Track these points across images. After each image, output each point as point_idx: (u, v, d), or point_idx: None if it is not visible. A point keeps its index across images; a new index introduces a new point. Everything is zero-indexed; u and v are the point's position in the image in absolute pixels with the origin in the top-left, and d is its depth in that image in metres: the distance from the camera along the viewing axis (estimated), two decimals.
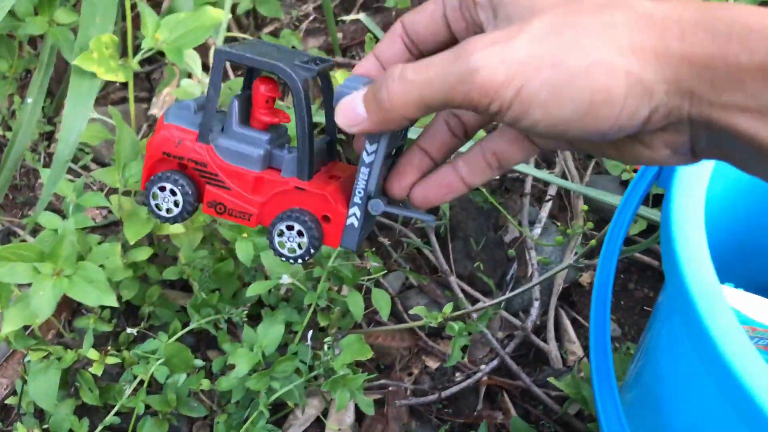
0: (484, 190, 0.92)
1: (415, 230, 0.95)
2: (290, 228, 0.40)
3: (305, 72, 0.39)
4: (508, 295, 0.82)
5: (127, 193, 0.80)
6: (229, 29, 1.09)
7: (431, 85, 0.33)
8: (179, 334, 0.74)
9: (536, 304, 0.89)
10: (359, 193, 0.39)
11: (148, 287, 0.84)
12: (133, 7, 1.08)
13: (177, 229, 0.79)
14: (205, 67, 1.02)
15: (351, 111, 0.36)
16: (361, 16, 1.09)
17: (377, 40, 1.05)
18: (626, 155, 0.35)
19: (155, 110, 1.04)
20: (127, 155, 0.76)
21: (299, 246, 0.40)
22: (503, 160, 0.39)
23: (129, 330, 0.73)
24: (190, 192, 0.41)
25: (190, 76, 0.91)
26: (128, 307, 0.87)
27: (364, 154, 0.38)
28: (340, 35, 1.10)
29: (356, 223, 0.39)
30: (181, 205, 0.41)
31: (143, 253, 0.78)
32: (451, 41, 0.39)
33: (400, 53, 0.40)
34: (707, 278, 0.43)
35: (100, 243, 0.81)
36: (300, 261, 0.41)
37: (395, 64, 0.36)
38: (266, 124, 0.41)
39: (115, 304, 0.67)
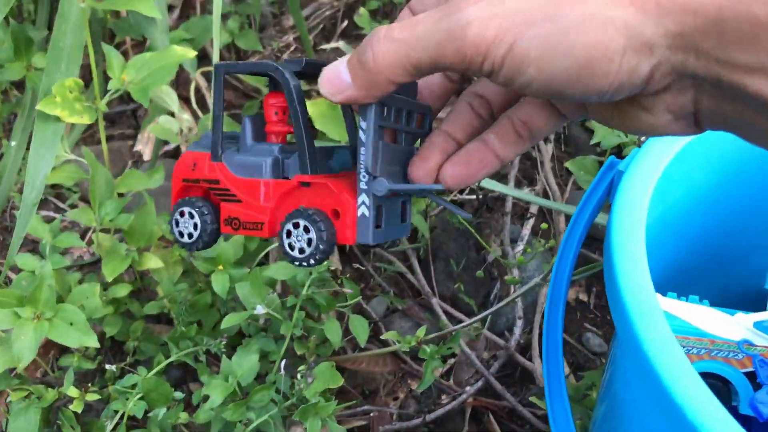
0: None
1: (397, 253, 0.95)
2: (296, 226, 0.38)
3: (293, 65, 0.38)
4: (485, 313, 0.81)
5: (106, 231, 0.81)
6: (211, 63, 1.11)
7: (419, 42, 0.31)
8: (159, 367, 0.75)
9: (519, 323, 0.89)
10: (363, 177, 0.36)
11: (132, 322, 0.85)
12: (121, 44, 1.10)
13: (156, 263, 0.80)
14: (184, 99, 1.04)
15: (335, 77, 0.34)
16: (341, 44, 1.10)
17: None
18: (628, 122, 0.33)
19: (140, 147, 1.06)
20: (101, 194, 0.77)
21: (308, 243, 0.38)
22: (533, 129, 0.37)
23: (108, 367, 0.74)
24: (207, 212, 0.41)
25: (173, 114, 0.93)
26: (114, 343, 0.88)
27: (360, 132, 0.36)
28: None
29: (367, 212, 0.37)
30: (199, 227, 0.41)
31: (123, 290, 0.79)
32: None
33: None
34: (643, 294, 0.43)
35: (80, 281, 0.82)
36: (313, 261, 0.38)
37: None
38: (281, 136, 0.40)
39: (96, 345, 0.68)
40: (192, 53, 0.72)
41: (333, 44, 1.11)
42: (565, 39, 0.29)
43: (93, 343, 0.67)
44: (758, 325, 0.55)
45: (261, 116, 0.41)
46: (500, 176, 1.03)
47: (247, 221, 0.40)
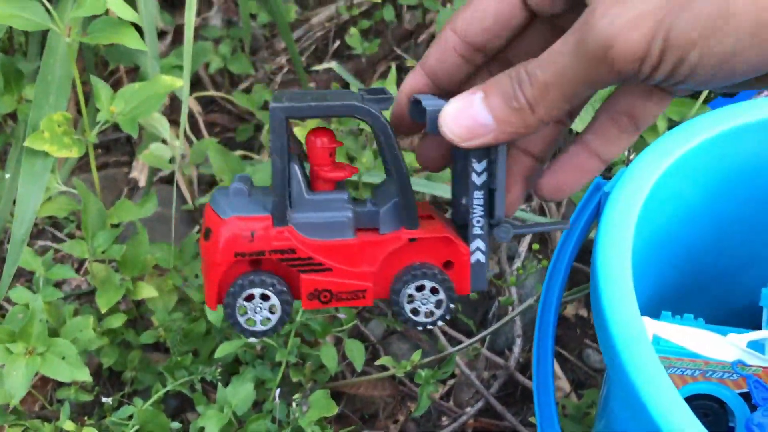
0: None
1: None
2: (420, 288, 0.34)
3: (379, 104, 0.34)
4: (483, 333, 0.81)
5: (101, 261, 0.81)
6: (204, 88, 1.11)
7: (566, 79, 0.29)
8: (155, 397, 0.75)
9: (518, 341, 0.88)
10: (477, 222, 0.34)
11: (130, 352, 0.85)
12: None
13: (151, 292, 0.80)
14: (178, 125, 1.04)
15: (471, 121, 0.31)
16: (333, 64, 1.10)
17: (346, 86, 1.07)
18: None
19: (135, 173, 1.06)
20: (94, 225, 0.77)
21: (437, 305, 0.35)
22: (640, 119, 0.34)
23: (105, 400, 0.74)
24: (285, 289, 0.35)
25: (165, 141, 0.93)
26: (112, 373, 0.88)
27: (473, 175, 0.33)
28: (312, 84, 1.12)
29: (482, 258, 0.34)
30: (279, 310, 0.35)
31: (118, 320, 0.79)
32: (524, 25, 0.34)
33: (455, 66, 0.35)
34: (629, 321, 0.42)
35: (76, 311, 0.82)
36: (441, 323, 0.35)
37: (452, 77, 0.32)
38: (333, 182, 0.36)
39: (88, 378, 0.68)
40: (179, 82, 0.72)
41: (325, 65, 1.11)
42: (726, 8, 0.26)
43: (85, 377, 0.66)
44: (752, 345, 0.54)
45: (299, 158, 0.36)
46: None
47: (343, 291, 0.35)
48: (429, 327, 0.35)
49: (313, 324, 0.75)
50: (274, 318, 0.35)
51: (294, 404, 0.68)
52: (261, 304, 0.35)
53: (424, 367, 0.72)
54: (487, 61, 0.37)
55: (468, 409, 0.85)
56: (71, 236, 1.05)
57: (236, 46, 1.10)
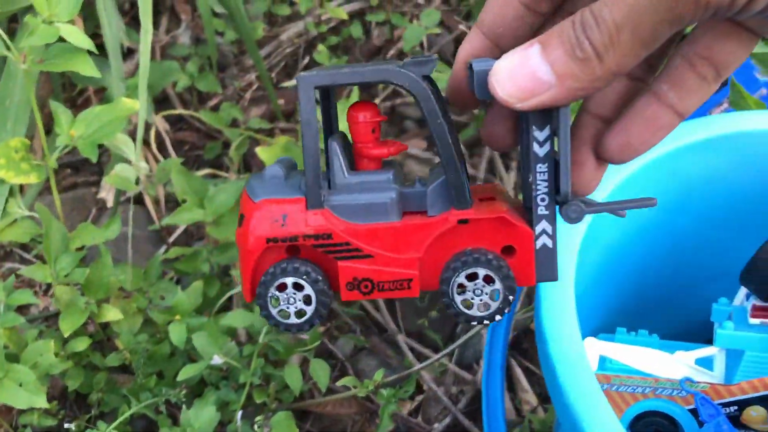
0: None
1: None
2: (472, 277, 0.30)
3: (419, 67, 0.29)
4: (449, 348, 0.81)
5: (65, 284, 0.81)
6: (172, 106, 1.11)
7: (641, 17, 0.24)
8: (119, 420, 0.74)
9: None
10: (542, 201, 0.29)
11: (96, 374, 0.84)
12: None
13: (116, 315, 0.80)
14: (146, 144, 1.04)
15: (527, 77, 0.26)
16: None
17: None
18: None
19: (104, 194, 1.06)
20: (56, 249, 0.77)
21: (492, 297, 0.30)
22: (721, 65, 0.29)
23: (67, 425, 0.73)
24: (321, 278, 0.31)
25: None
26: (78, 396, 0.88)
27: (535, 145, 0.29)
28: (282, 101, 1.12)
29: (550, 243, 0.30)
30: (314, 301, 0.32)
31: (82, 344, 0.79)
32: None
33: (517, 19, 0.30)
34: (570, 347, 0.43)
35: (41, 334, 0.82)
36: (499, 317, 0.31)
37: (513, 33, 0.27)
38: (379, 160, 0.32)
39: (45, 405, 0.68)
40: (137, 105, 0.72)
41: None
42: None
43: (42, 403, 0.66)
44: (700, 362, 0.55)
45: (343, 135, 0.33)
46: None
47: (386, 281, 0.31)
48: (486, 322, 0.30)
49: (276, 345, 0.75)
50: (310, 310, 0.32)
51: (256, 426, 0.68)
52: (294, 294, 0.31)
53: (389, 385, 0.72)
54: (555, 10, 0.32)
55: (436, 425, 0.85)
56: (40, 257, 1.05)
57: (204, 63, 1.10)
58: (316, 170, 0.31)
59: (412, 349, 0.91)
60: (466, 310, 0.31)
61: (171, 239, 0.98)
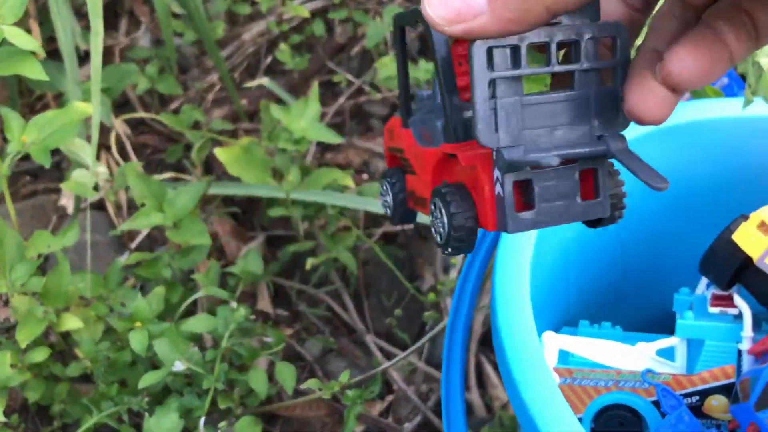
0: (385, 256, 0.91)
1: (330, 292, 0.94)
2: (436, 205, 0.32)
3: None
4: (415, 346, 0.80)
5: (22, 293, 0.79)
6: (133, 109, 1.09)
7: None
8: (82, 429, 0.73)
9: None
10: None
11: (57, 384, 0.83)
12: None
13: (75, 323, 0.78)
14: (106, 148, 1.02)
15: (459, 0, 0.24)
16: (265, 80, 1.09)
17: (278, 102, 1.06)
18: None
19: (64, 201, 1.04)
20: (12, 258, 0.75)
21: (443, 227, 0.31)
22: (760, 26, 0.27)
23: None
24: (398, 189, 0.36)
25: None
26: (41, 407, 0.86)
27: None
28: (245, 101, 1.10)
29: (501, 191, 0.29)
30: (390, 202, 0.37)
31: (40, 354, 0.77)
32: None
33: None
34: (525, 342, 0.42)
35: None
36: (450, 249, 0.31)
37: None
38: (463, 90, 0.32)
39: (2, 419, 0.66)
40: (90, 109, 0.71)
41: (257, 81, 1.10)
42: None
43: None
44: (662, 353, 0.54)
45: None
46: None
47: (418, 197, 0.34)
48: (447, 252, 0.32)
49: (239, 349, 0.73)
50: (390, 209, 0.37)
51: None
52: (387, 192, 0.37)
53: (356, 386, 0.71)
54: None
55: (407, 425, 0.84)
56: None
57: (165, 66, 1.08)
58: (405, 96, 0.34)
59: (381, 349, 0.90)
60: (433, 232, 0.33)
61: (133, 245, 0.97)
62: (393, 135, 0.36)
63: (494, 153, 0.29)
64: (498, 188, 0.29)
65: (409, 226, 0.99)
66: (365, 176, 1.06)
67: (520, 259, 0.48)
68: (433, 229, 0.32)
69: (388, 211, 0.38)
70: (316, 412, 0.84)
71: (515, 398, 0.41)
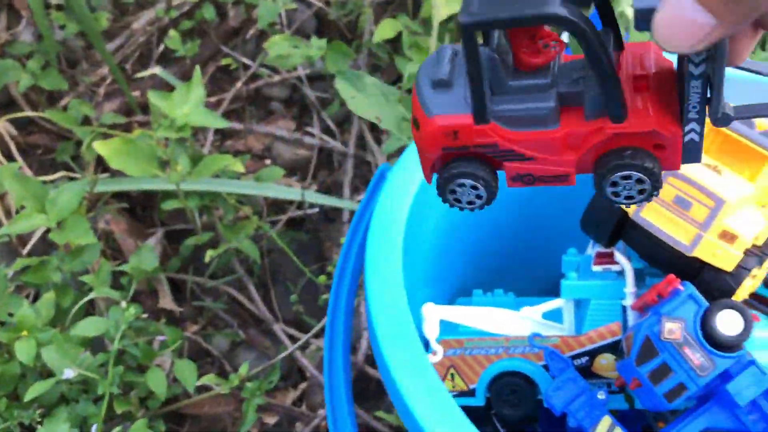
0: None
1: (234, 282, 0.91)
2: (626, 178, 0.33)
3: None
4: (317, 327, 0.79)
5: None
6: (19, 108, 1.04)
7: None
8: None
9: (366, 333, 0.86)
10: (693, 107, 0.32)
11: None
12: None
13: None
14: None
15: (689, 26, 0.27)
16: (157, 69, 1.05)
17: (172, 91, 1.02)
18: None
19: None
20: None
21: (640, 193, 0.34)
22: None
23: None
24: (491, 184, 0.35)
25: None
26: None
27: (691, 66, 0.30)
28: (137, 93, 1.06)
29: (697, 137, 0.33)
30: (484, 197, 0.36)
31: None
32: None
33: None
34: (395, 317, 0.40)
35: None
36: (639, 204, 0.35)
37: None
38: (535, 66, 0.34)
39: None
40: None
41: (150, 71, 1.06)
42: None
43: None
44: (548, 315, 0.54)
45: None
46: (337, 185, 1.00)
47: (545, 175, 0.34)
48: (625, 203, 0.34)
49: (133, 350, 0.70)
50: (478, 203, 0.36)
51: None
52: (470, 192, 0.35)
53: (259, 376, 0.68)
54: None
55: (321, 411, 0.82)
56: None
57: (50, 60, 1.03)
58: (480, 94, 0.33)
59: (291, 337, 0.88)
60: (612, 197, 0.34)
61: (25, 251, 0.92)
62: (462, 135, 0.34)
63: (695, 112, 0.32)
64: (693, 135, 0.32)
65: (314, 210, 0.97)
66: (267, 161, 1.03)
67: (392, 234, 0.46)
68: (611, 194, 0.33)
69: (466, 205, 0.36)
70: (224, 407, 0.82)
71: (383, 371, 0.39)
